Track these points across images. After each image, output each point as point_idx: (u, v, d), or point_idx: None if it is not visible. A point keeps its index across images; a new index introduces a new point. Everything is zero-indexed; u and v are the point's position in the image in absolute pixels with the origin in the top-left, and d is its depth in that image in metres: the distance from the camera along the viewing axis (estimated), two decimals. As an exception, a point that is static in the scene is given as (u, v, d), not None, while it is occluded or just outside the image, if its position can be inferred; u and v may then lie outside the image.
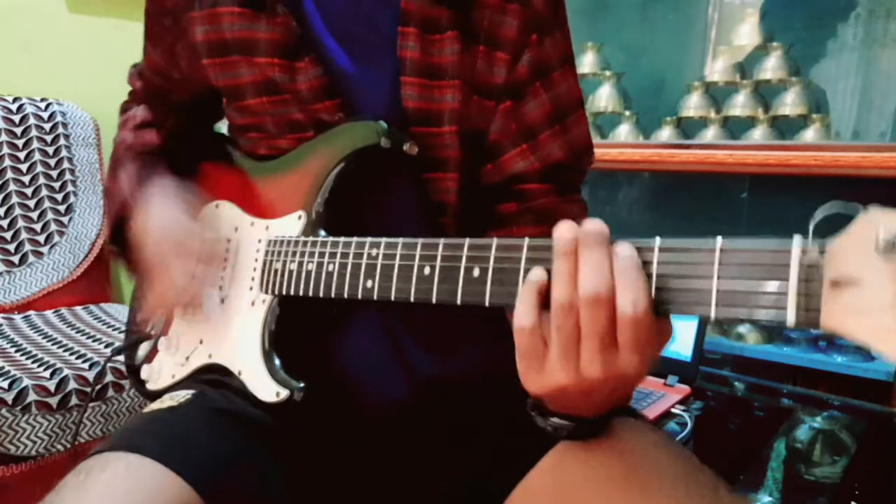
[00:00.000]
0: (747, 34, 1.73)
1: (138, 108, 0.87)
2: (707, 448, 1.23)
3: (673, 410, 1.30)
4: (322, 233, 0.66)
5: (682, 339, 1.42)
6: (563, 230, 0.45)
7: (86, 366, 1.37)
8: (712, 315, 0.41)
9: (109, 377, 1.38)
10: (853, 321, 0.36)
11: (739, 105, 1.67)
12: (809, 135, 1.56)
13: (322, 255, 0.63)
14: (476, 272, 0.51)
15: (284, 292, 0.66)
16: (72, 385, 1.32)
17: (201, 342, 0.74)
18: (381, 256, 0.57)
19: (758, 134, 1.64)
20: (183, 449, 0.58)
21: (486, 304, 0.50)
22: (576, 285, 0.44)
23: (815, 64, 1.65)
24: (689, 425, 1.25)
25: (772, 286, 0.39)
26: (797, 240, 0.38)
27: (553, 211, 0.71)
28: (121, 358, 0.87)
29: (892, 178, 1.29)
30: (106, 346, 1.49)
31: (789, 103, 1.60)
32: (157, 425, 0.61)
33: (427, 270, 0.53)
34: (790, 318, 0.38)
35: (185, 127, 0.88)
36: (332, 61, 0.69)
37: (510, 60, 0.69)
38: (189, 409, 0.65)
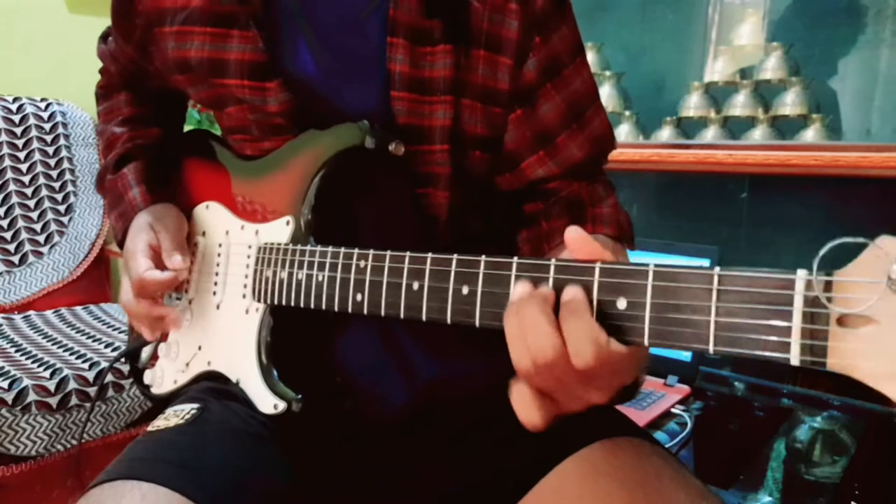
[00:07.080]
0: (747, 34, 1.73)
1: (120, 99, 0.85)
2: (707, 448, 1.23)
3: (673, 410, 1.30)
4: (311, 240, 0.65)
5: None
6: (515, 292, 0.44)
7: (86, 366, 1.37)
8: (710, 349, 0.38)
9: (109, 377, 1.39)
10: (863, 365, 0.33)
11: (739, 105, 1.67)
12: (809, 135, 1.55)
13: (311, 264, 0.61)
14: (465, 291, 0.49)
15: (276, 302, 0.65)
16: (72, 385, 1.32)
17: (200, 348, 0.73)
18: (369, 269, 0.55)
19: (758, 134, 1.63)
20: (194, 473, 0.58)
21: (477, 324, 0.48)
22: (527, 349, 0.43)
23: (814, 64, 1.64)
24: (689, 425, 1.25)
25: (774, 323, 0.36)
26: (801, 273, 0.35)
27: (581, 197, 0.70)
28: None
29: (892, 178, 1.29)
30: (106, 346, 1.49)
31: (789, 103, 1.60)
32: (166, 451, 0.61)
33: (416, 287, 0.52)
34: (794, 358, 0.35)
35: (172, 122, 0.88)
36: (311, 76, 0.67)
37: (513, 66, 0.66)
38: (195, 429, 0.64)
